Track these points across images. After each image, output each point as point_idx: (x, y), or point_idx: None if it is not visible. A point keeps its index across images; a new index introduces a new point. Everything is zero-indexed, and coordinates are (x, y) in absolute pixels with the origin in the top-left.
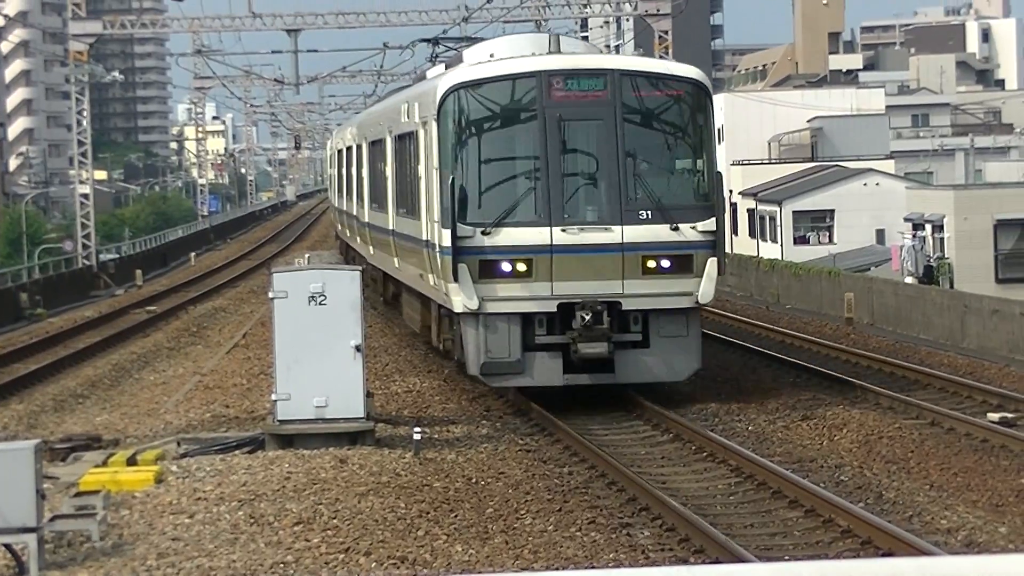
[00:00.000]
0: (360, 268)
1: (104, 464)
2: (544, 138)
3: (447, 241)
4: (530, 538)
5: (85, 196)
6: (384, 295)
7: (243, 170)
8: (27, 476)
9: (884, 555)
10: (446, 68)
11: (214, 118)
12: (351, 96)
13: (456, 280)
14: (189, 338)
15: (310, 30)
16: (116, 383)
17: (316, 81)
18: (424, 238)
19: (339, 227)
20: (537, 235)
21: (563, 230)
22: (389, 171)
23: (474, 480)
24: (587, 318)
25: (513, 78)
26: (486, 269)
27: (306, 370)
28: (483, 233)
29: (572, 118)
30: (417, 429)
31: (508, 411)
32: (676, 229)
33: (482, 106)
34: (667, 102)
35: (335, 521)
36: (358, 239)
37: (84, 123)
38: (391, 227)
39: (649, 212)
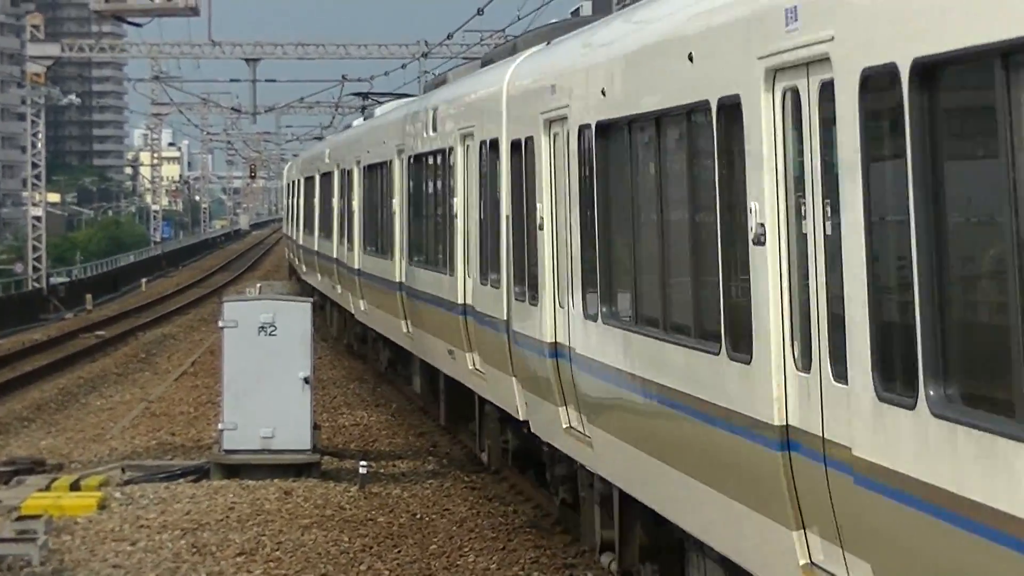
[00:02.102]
0: (310, 300)
1: (47, 488)
2: None
3: None
4: None
5: (37, 219)
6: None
7: (197, 197)
8: None
9: None
10: None
11: (170, 144)
12: (308, 127)
13: None
14: (137, 364)
15: (269, 60)
16: (62, 407)
17: (273, 111)
18: None
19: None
20: None
21: None
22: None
23: (419, 516)
24: None
25: None
26: None
27: (254, 400)
28: None
29: None
30: (363, 463)
31: (455, 447)
32: None
33: None
34: None
35: (278, 553)
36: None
37: (39, 145)
38: None
39: None
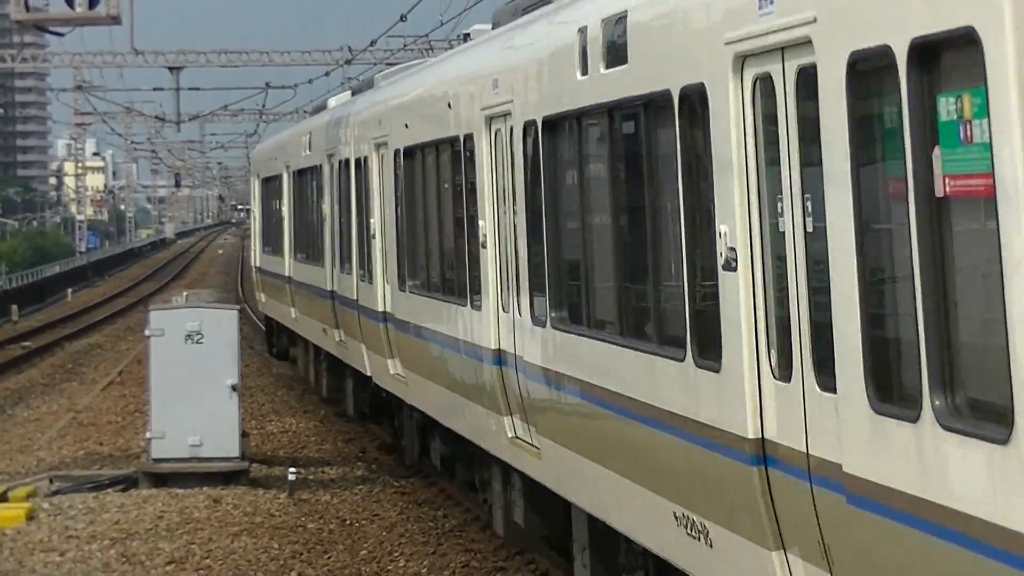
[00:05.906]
0: (237, 307)
1: None
2: None
3: None
4: None
5: None
6: None
7: (122, 207)
8: None
9: None
10: None
11: (94, 154)
12: (232, 135)
13: None
14: (64, 374)
15: (192, 68)
16: None
17: (198, 119)
18: None
19: None
20: None
21: None
22: None
23: (348, 522)
24: None
25: None
26: None
27: (181, 409)
28: None
29: None
30: (292, 470)
31: (384, 453)
32: None
33: None
34: None
35: (208, 561)
36: None
37: None
38: None
39: None
